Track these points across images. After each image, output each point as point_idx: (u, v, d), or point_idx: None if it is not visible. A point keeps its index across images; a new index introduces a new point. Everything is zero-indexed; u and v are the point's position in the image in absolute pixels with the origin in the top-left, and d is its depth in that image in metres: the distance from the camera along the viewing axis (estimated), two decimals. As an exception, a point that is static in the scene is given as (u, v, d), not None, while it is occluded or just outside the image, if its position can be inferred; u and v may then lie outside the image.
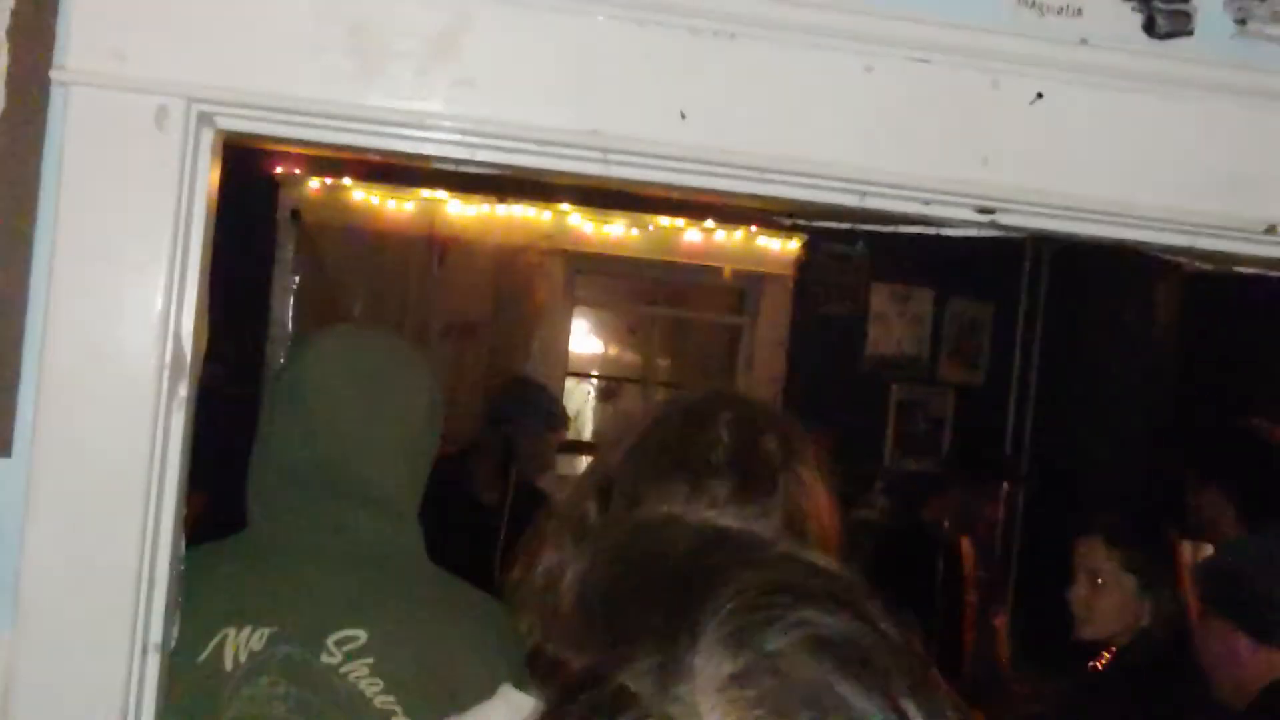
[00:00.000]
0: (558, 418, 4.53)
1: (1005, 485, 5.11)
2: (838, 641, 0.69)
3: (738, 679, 0.67)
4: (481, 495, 4.25)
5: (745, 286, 6.24)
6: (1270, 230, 1.61)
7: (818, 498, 1.49)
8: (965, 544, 4.58)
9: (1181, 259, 1.73)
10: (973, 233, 1.64)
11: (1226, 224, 1.62)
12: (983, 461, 4.94)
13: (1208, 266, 1.75)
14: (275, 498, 1.73)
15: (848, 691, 0.67)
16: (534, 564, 1.48)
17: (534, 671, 1.26)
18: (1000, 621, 4.51)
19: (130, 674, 1.48)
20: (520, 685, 1.31)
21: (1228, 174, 1.60)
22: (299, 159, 5.01)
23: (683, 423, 1.52)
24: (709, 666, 0.67)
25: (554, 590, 1.25)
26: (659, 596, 0.72)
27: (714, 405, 1.55)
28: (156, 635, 1.51)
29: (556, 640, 0.80)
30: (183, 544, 1.57)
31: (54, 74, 1.44)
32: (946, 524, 4.51)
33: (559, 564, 1.36)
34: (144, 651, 1.50)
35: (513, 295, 5.75)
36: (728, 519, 0.99)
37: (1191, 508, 3.17)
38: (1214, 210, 1.61)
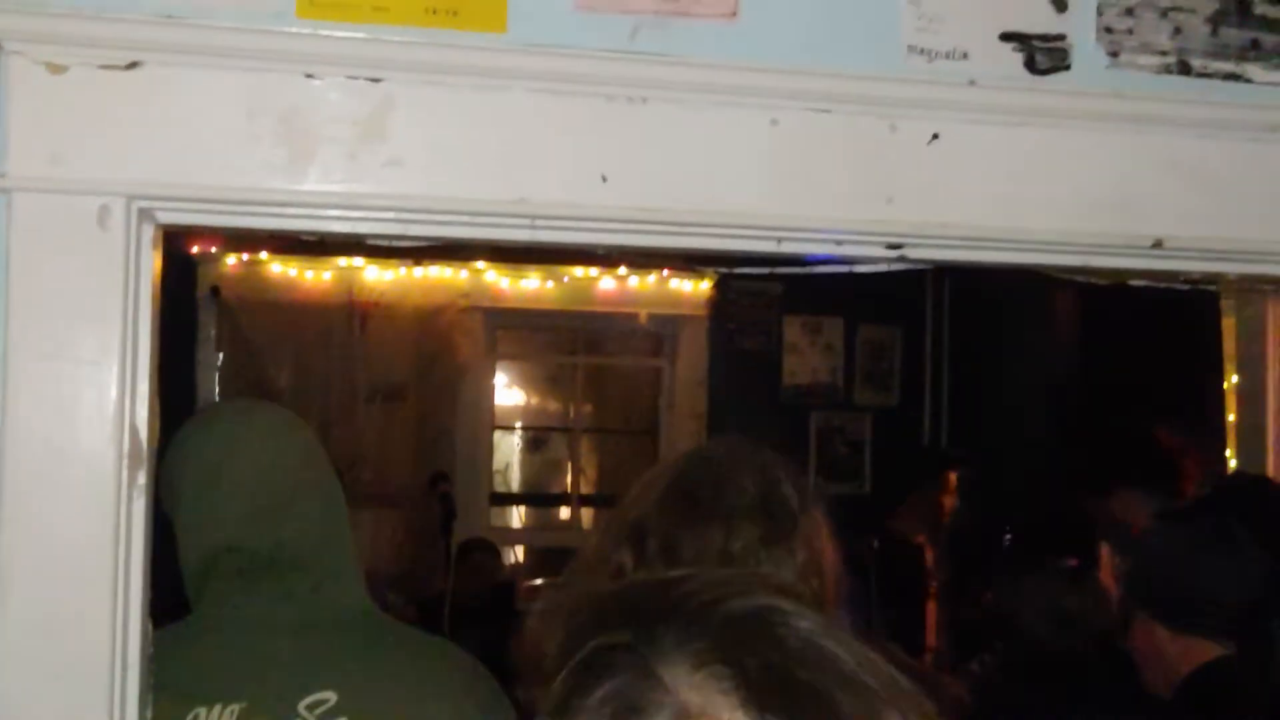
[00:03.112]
0: None
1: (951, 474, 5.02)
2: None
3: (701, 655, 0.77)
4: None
5: (661, 329, 6.35)
6: (1156, 245, 1.71)
7: (827, 536, 1.62)
8: (926, 547, 4.64)
9: (1078, 277, 1.84)
10: (883, 268, 1.73)
11: (1116, 242, 1.72)
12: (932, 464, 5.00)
13: (1103, 282, 1.86)
14: (209, 582, 1.76)
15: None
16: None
17: None
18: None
19: (108, 760, 1.51)
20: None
21: (1113, 195, 1.70)
22: (215, 237, 5.03)
23: (709, 473, 1.62)
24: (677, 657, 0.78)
25: None
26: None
27: (735, 455, 1.66)
28: None
29: None
30: (151, 627, 1.61)
31: (-5, 182, 1.49)
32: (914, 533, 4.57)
33: None
34: (121, 736, 1.53)
35: (435, 355, 5.80)
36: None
37: (1103, 511, 3.26)
38: (1103, 230, 1.71)
